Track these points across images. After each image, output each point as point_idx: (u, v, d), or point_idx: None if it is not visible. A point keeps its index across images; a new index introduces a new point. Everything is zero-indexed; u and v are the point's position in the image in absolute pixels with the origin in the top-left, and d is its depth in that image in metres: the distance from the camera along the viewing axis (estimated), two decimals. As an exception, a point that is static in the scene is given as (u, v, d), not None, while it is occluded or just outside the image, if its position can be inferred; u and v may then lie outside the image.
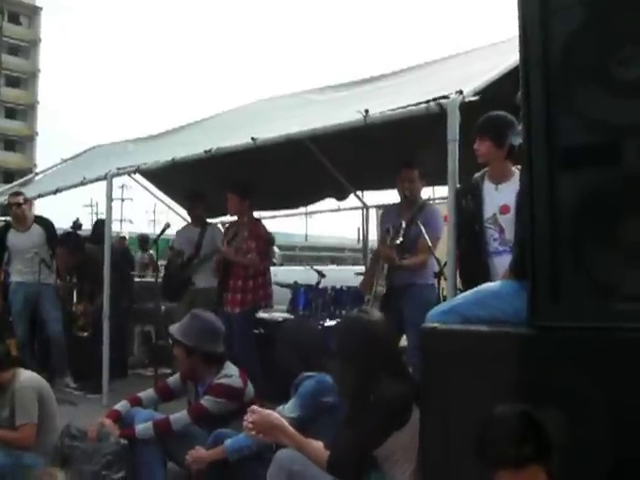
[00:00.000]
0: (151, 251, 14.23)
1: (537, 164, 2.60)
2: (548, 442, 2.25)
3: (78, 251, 8.01)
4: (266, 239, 7.04)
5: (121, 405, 4.61)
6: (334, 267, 10.97)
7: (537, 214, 2.59)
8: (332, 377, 3.82)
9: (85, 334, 7.91)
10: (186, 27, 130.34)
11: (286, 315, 7.75)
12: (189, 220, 8.30)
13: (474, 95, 4.43)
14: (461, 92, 4.37)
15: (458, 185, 4.38)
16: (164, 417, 4.37)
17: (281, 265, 12.41)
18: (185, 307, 7.14)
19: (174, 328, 4.63)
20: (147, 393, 4.74)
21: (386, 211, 6.34)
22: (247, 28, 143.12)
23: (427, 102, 4.50)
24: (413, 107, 4.63)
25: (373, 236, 9.59)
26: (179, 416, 4.36)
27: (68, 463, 4.07)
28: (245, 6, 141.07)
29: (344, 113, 5.36)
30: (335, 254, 30.73)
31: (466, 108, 4.36)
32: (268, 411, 3.32)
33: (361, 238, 11.18)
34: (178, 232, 8.25)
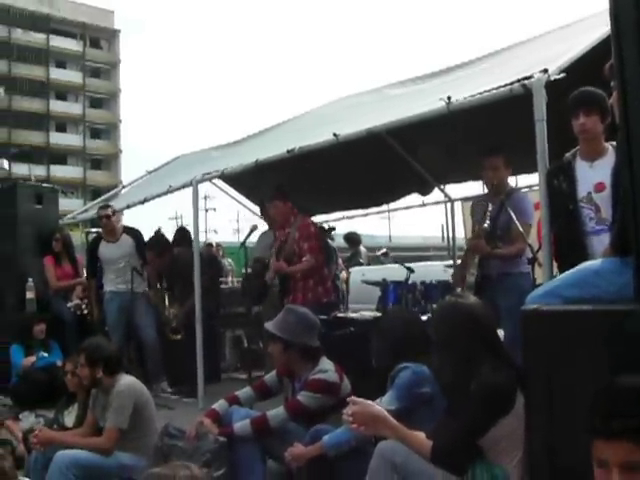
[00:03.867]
0: (229, 259, 14.47)
1: (635, 135, 2.50)
2: None
3: (166, 252, 8.18)
4: (317, 236, 6.99)
5: (219, 404, 4.65)
6: (422, 263, 10.85)
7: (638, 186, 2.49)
8: (429, 367, 3.77)
9: (178, 337, 8.04)
10: (259, 32, 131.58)
11: (376, 313, 7.68)
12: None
13: (559, 73, 4.31)
14: (546, 71, 4.26)
15: (548, 166, 4.27)
16: (261, 414, 4.38)
17: (368, 264, 12.34)
18: (268, 309, 7.19)
19: (269, 324, 4.65)
20: (244, 391, 4.77)
21: (475, 203, 6.21)
22: (323, 28, 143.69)
23: (511, 84, 4.41)
24: (496, 90, 4.54)
25: (459, 231, 9.45)
26: (276, 412, 4.36)
27: (169, 462, 4.12)
28: (317, 9, 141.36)
29: (426, 103, 5.30)
30: (420, 253, 30.44)
31: (548, 89, 4.25)
32: (368, 402, 3.26)
33: (445, 235, 11.03)
34: (258, 240, 8.32)
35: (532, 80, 4.26)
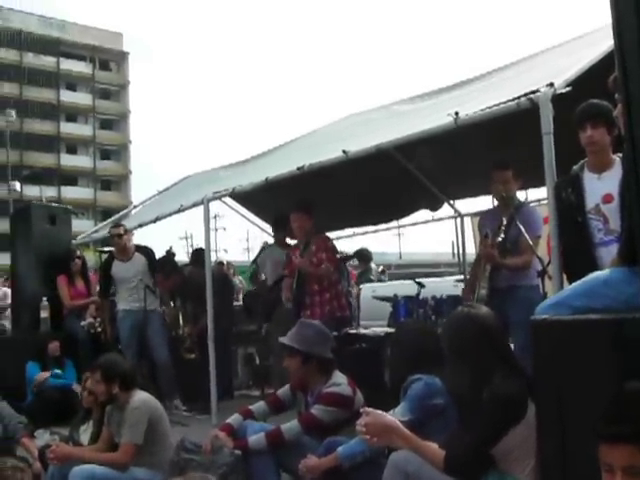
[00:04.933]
0: (240, 277, 14.54)
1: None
2: None
3: (174, 273, 8.25)
4: (334, 250, 7.04)
5: (233, 418, 4.68)
6: (433, 279, 10.90)
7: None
8: (441, 378, 3.80)
9: (192, 356, 8.10)
10: (268, 51, 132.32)
11: (387, 329, 7.70)
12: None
13: (566, 87, 4.36)
14: (552, 84, 4.31)
15: (556, 178, 4.32)
16: (276, 427, 4.41)
17: (379, 281, 12.39)
18: (276, 326, 7.26)
19: (286, 338, 4.68)
20: (258, 405, 4.81)
21: (483, 216, 6.24)
22: (331, 47, 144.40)
23: (518, 98, 4.46)
24: (504, 105, 4.59)
25: (469, 246, 9.45)
26: (290, 426, 4.39)
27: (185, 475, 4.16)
28: (325, 28, 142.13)
29: (434, 119, 5.36)
30: (430, 270, 30.42)
31: (555, 103, 4.30)
32: (381, 412, 3.30)
33: (456, 251, 11.03)
34: (263, 253, 8.34)
35: (539, 94, 4.30)
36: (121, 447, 4.84)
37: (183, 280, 8.31)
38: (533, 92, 4.38)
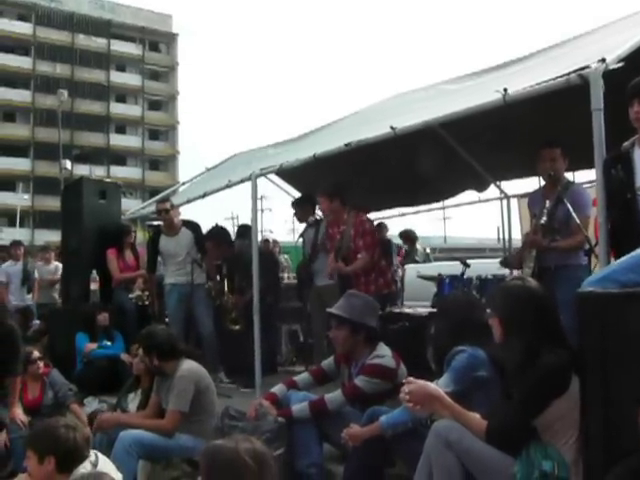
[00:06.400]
0: (286, 255, 14.62)
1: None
2: None
3: (225, 243, 8.35)
4: (372, 232, 6.98)
5: (277, 388, 4.76)
6: (478, 260, 10.82)
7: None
8: (485, 350, 3.81)
9: (237, 327, 8.18)
10: (315, 30, 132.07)
11: (430, 309, 7.70)
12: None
13: (618, 62, 4.30)
14: (604, 60, 4.25)
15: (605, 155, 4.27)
16: (320, 397, 4.48)
17: (424, 262, 12.35)
18: (312, 305, 7.41)
19: (334, 309, 4.71)
20: (302, 377, 4.88)
21: (531, 197, 6.17)
22: (377, 26, 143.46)
23: (568, 74, 4.41)
24: (553, 81, 4.55)
25: (515, 231, 9.37)
26: (334, 396, 4.46)
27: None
28: (376, 6, 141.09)
29: (482, 96, 5.31)
30: (475, 255, 30.14)
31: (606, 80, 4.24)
32: (425, 381, 3.34)
33: (501, 236, 10.91)
34: (302, 234, 8.36)
35: (589, 70, 4.24)
36: (167, 414, 4.97)
37: (232, 252, 8.39)
38: (583, 68, 4.33)
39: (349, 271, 6.81)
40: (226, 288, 8.46)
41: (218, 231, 8.82)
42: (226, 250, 8.45)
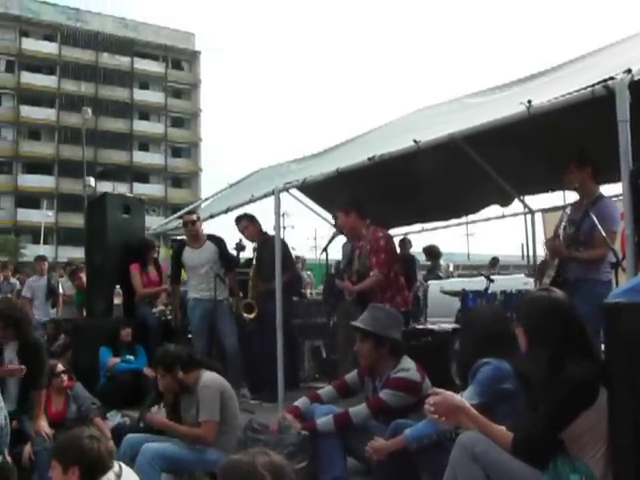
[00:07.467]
0: (309, 272, 14.59)
1: None
2: None
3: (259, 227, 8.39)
4: (387, 249, 6.70)
5: (301, 401, 4.75)
6: (502, 276, 10.76)
7: None
8: (510, 363, 3.77)
9: (251, 316, 8.03)
10: (336, 48, 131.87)
11: (454, 325, 7.65)
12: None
13: (644, 73, 4.27)
14: (629, 71, 4.22)
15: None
16: (344, 411, 4.46)
17: (447, 278, 12.31)
18: (342, 318, 7.28)
19: (358, 322, 4.70)
20: (326, 390, 4.86)
21: (565, 209, 6.08)
22: (400, 42, 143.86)
23: (593, 86, 4.39)
24: (577, 92, 4.52)
25: (540, 244, 9.28)
26: (359, 409, 4.43)
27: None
28: (393, 25, 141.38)
29: (506, 109, 5.29)
30: (499, 271, 29.99)
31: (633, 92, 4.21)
32: (450, 393, 3.31)
33: (525, 253, 10.82)
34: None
35: (615, 81, 4.21)
36: (203, 425, 4.93)
37: (265, 238, 8.31)
38: (609, 79, 4.30)
39: (356, 290, 6.64)
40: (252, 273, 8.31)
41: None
42: (259, 235, 8.40)
